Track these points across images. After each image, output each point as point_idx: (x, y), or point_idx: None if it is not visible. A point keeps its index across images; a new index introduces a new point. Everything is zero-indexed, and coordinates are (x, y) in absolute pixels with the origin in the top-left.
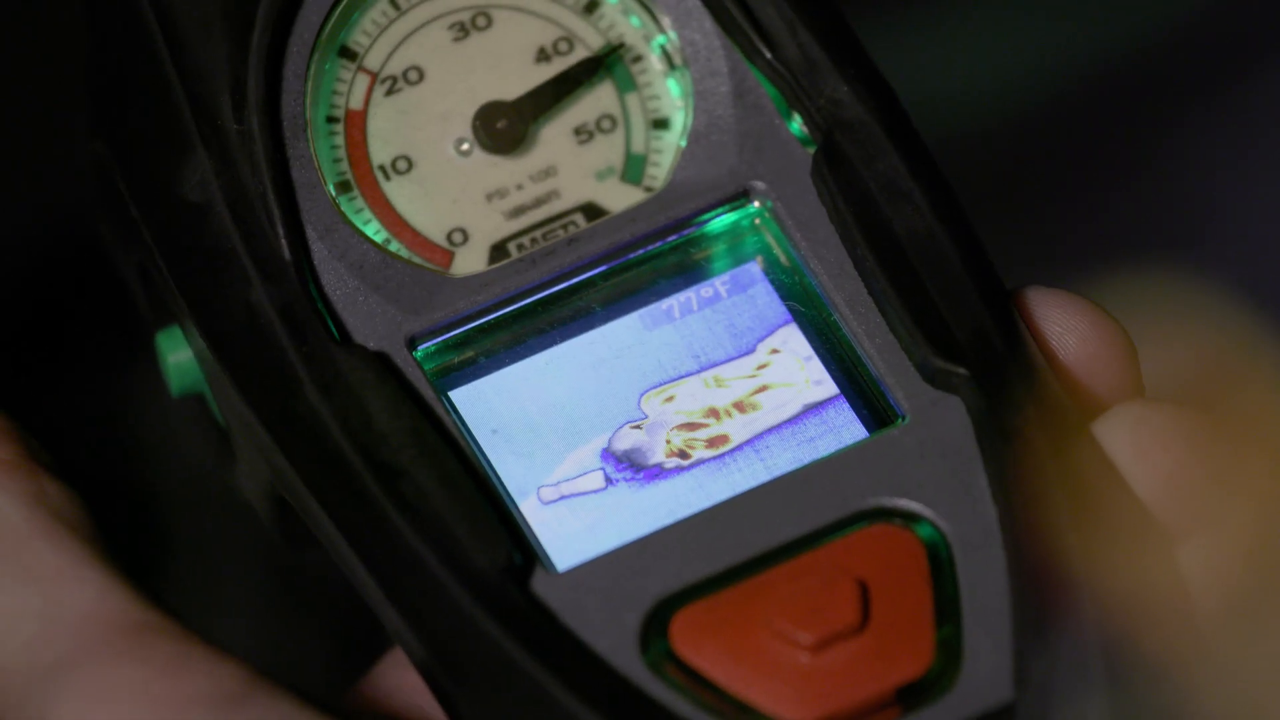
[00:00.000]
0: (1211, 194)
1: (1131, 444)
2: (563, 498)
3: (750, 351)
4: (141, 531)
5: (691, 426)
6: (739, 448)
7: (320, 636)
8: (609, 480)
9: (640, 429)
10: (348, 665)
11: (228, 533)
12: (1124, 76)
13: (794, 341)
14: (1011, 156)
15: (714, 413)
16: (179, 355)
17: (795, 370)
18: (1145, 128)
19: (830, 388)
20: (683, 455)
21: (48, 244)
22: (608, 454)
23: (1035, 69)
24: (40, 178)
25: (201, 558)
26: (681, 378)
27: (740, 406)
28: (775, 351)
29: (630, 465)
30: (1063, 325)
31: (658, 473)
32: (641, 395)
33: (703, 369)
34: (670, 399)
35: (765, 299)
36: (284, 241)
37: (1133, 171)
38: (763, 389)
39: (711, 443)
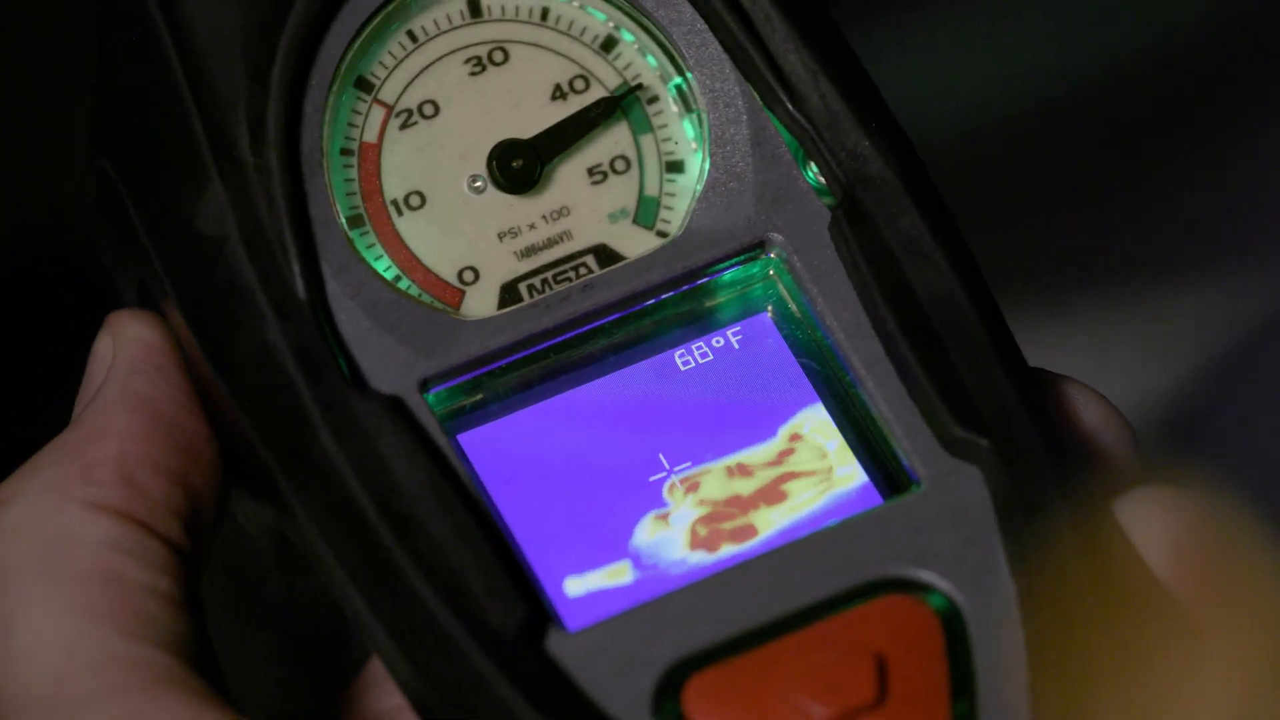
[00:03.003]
0: (1205, 205)
1: (1157, 528)
2: (591, 592)
3: (773, 435)
4: None
5: (716, 517)
6: (761, 514)
7: (273, 656)
8: (637, 571)
9: (665, 520)
10: (300, 683)
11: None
12: (1118, 85)
13: (819, 423)
14: (1003, 162)
15: (739, 502)
16: None
17: (821, 458)
18: (1137, 137)
19: (858, 476)
20: (708, 547)
21: (28, 247)
22: (631, 519)
23: (1033, 75)
24: (25, 180)
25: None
26: (706, 443)
27: (766, 497)
28: (797, 437)
29: (657, 559)
30: (1071, 415)
31: (681, 538)
32: (663, 456)
33: (726, 433)
34: (694, 488)
35: (780, 357)
36: (300, 280)
37: (1123, 181)
38: (788, 477)
39: (736, 534)
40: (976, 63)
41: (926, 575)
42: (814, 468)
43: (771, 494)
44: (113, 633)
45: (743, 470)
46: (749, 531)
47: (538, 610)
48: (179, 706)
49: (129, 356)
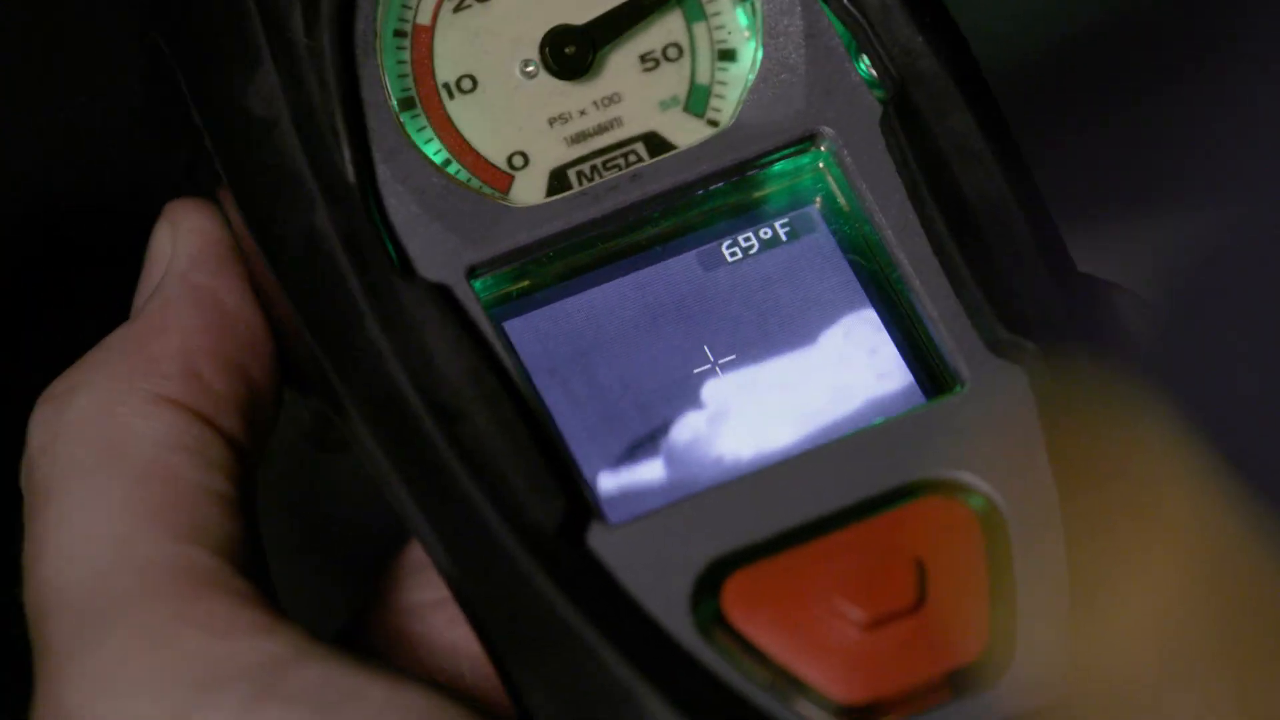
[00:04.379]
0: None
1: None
2: (632, 486)
3: (818, 330)
4: None
5: (760, 411)
6: (803, 410)
7: (343, 577)
8: (679, 466)
9: (709, 413)
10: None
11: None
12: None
13: (864, 320)
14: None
15: (784, 395)
16: None
17: (866, 338)
18: (1135, 76)
19: (902, 376)
20: (752, 441)
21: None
22: (673, 412)
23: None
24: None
25: None
26: (751, 337)
27: (811, 390)
28: (843, 333)
29: (700, 454)
30: (1118, 321)
31: (723, 433)
32: (707, 349)
33: (772, 327)
34: (739, 380)
35: (827, 251)
36: (350, 164)
37: (1119, 122)
38: (831, 355)
39: (778, 405)
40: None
41: (967, 477)
42: (858, 348)
43: (816, 388)
44: (161, 533)
45: (788, 364)
46: (793, 424)
47: (579, 504)
48: (218, 608)
49: (190, 249)
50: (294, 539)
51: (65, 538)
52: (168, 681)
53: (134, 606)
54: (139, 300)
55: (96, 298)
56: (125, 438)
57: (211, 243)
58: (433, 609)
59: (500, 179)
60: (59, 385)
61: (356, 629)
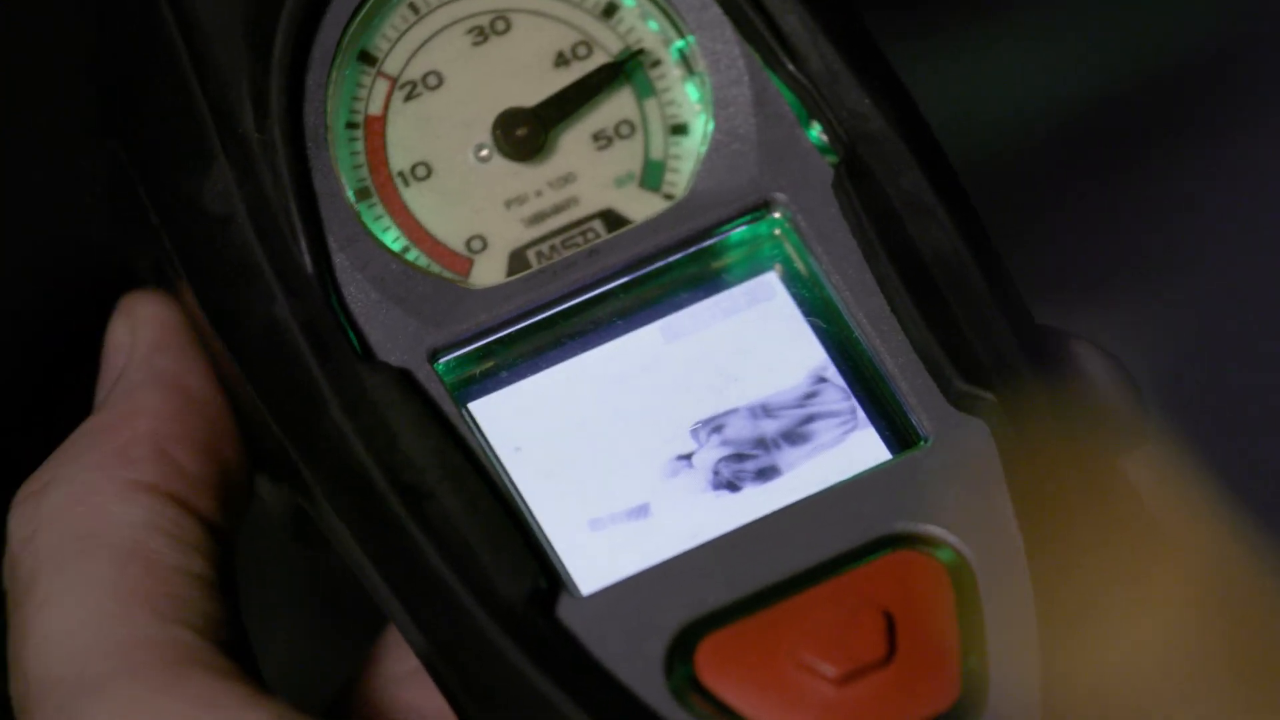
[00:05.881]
0: (1204, 225)
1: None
2: (601, 556)
3: (783, 377)
4: None
5: (724, 451)
6: (769, 471)
7: (361, 634)
8: (647, 535)
9: (673, 483)
10: (319, 646)
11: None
12: (1127, 105)
13: (825, 369)
14: (1012, 180)
15: (749, 439)
16: None
17: (829, 398)
18: (1145, 160)
19: (867, 433)
20: (717, 481)
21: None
22: (641, 481)
23: (1043, 95)
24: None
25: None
26: (715, 404)
27: (774, 432)
28: (807, 377)
29: (665, 523)
30: (1078, 370)
31: (691, 499)
32: (672, 418)
33: (735, 393)
34: (703, 425)
35: (788, 316)
36: (306, 255)
37: (1125, 200)
38: (796, 417)
39: (745, 468)
40: (998, 79)
41: (935, 530)
42: (823, 423)
43: (782, 449)
44: (143, 613)
45: (753, 428)
46: (760, 486)
47: (549, 576)
48: (201, 684)
49: (150, 336)
50: (296, 600)
51: (47, 625)
52: None
53: (115, 685)
54: (101, 392)
55: (66, 393)
56: (103, 524)
57: (172, 330)
58: (421, 675)
59: (459, 263)
60: (34, 481)
61: (345, 698)
